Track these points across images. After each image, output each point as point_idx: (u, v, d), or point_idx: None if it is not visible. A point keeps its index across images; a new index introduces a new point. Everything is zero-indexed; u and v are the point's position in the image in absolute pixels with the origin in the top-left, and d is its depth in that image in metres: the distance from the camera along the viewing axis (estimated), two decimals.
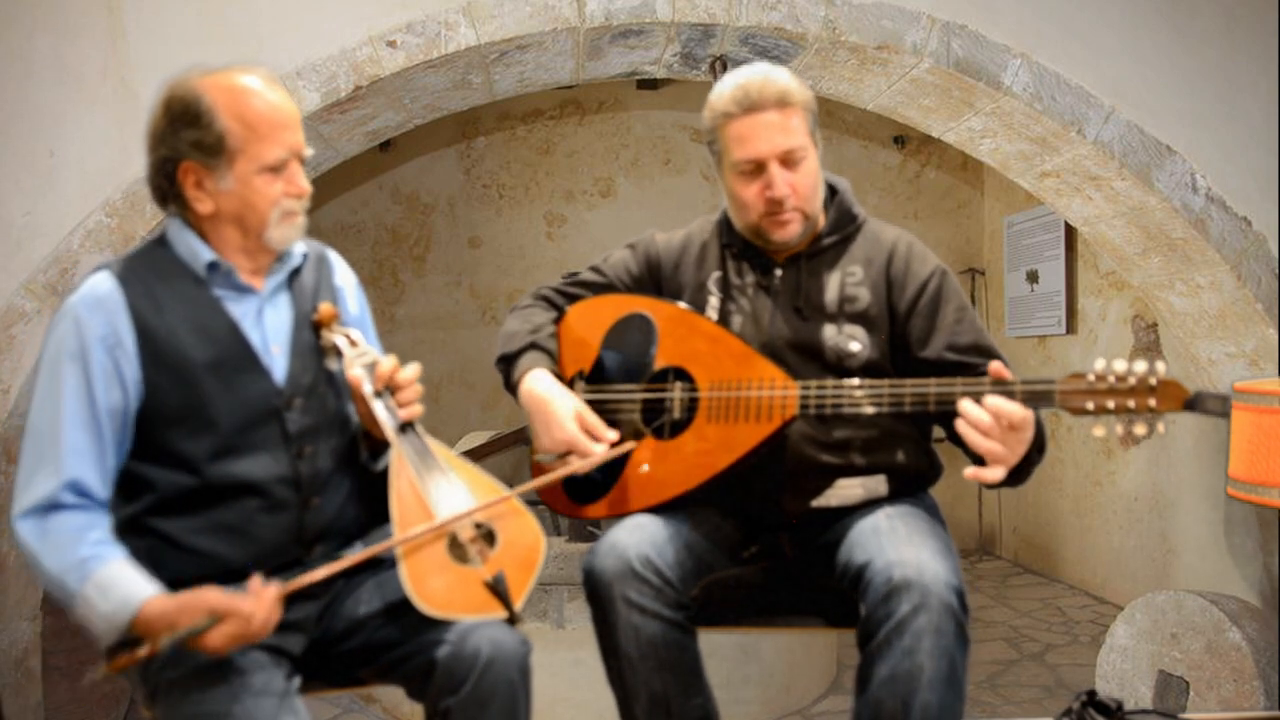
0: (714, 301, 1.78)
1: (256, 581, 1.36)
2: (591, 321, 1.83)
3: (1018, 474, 1.57)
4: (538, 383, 1.71)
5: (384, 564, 1.56)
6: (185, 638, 1.31)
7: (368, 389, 1.53)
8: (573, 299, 1.87)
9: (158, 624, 1.32)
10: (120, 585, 1.36)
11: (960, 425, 1.50)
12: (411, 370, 1.58)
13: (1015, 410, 1.47)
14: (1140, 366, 1.43)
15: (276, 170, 1.48)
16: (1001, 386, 1.49)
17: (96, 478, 1.43)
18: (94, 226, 2.68)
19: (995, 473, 1.49)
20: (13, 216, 2.67)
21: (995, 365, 1.53)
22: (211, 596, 1.33)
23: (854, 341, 1.70)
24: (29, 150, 2.69)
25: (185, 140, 1.46)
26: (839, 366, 1.69)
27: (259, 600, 1.34)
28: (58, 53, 2.69)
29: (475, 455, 3.84)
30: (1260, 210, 3.01)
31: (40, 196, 2.68)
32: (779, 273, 1.75)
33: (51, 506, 1.40)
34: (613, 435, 1.69)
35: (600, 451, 1.66)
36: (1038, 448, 1.56)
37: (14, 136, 2.68)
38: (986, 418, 1.47)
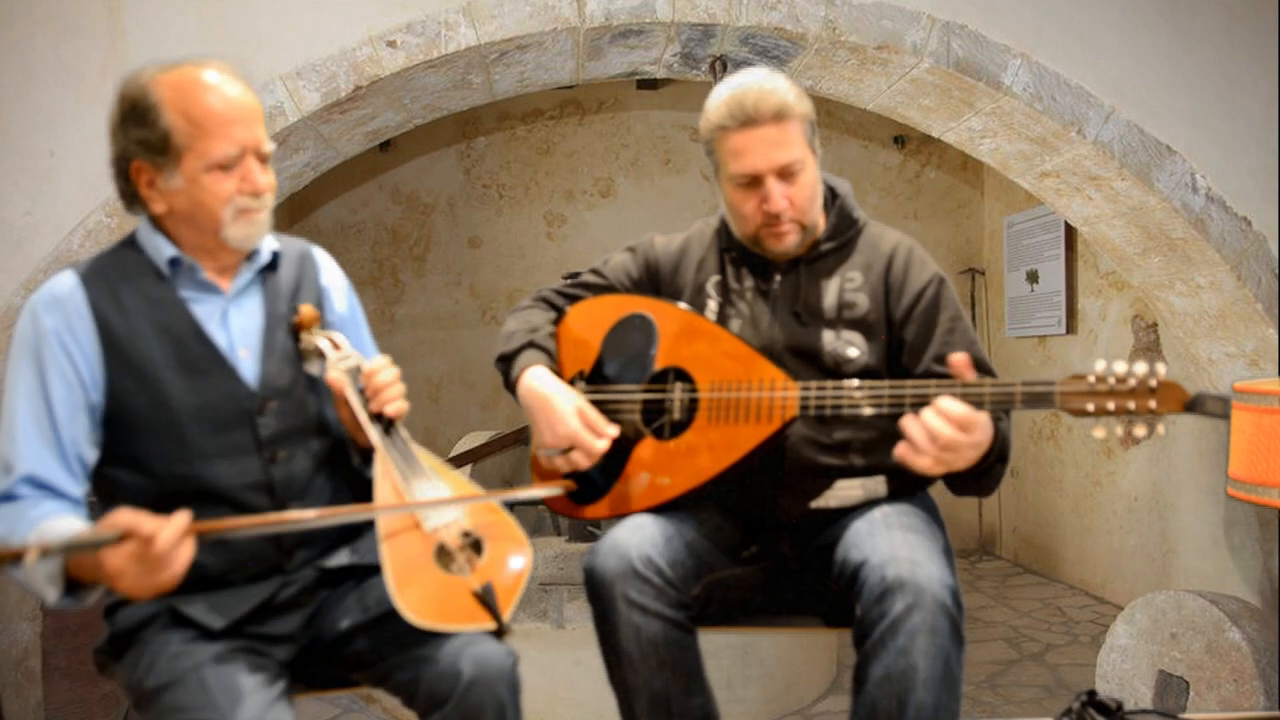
0: (712, 305, 1.77)
1: (181, 516, 1.25)
2: (592, 322, 1.82)
3: (972, 483, 1.58)
4: (537, 380, 1.71)
5: (370, 572, 1.53)
6: (81, 545, 1.20)
7: (350, 393, 1.49)
8: (572, 300, 1.87)
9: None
10: (58, 529, 1.27)
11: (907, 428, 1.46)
12: (391, 372, 1.53)
13: (962, 411, 1.44)
14: (1140, 368, 1.41)
15: (227, 167, 1.41)
16: (1001, 388, 1.48)
17: (60, 472, 1.38)
18: (94, 226, 2.68)
19: (922, 461, 1.45)
20: (13, 216, 2.67)
21: (956, 358, 1.48)
22: (122, 515, 1.22)
23: (851, 347, 1.70)
24: (29, 150, 2.69)
25: (133, 139, 1.41)
26: (837, 372, 1.69)
27: (168, 524, 1.22)
28: (58, 53, 2.70)
29: (475, 455, 3.84)
30: (1260, 210, 3.01)
31: (40, 196, 2.68)
32: (778, 278, 1.75)
33: (5, 498, 1.35)
34: (614, 430, 1.68)
35: (604, 446, 1.65)
36: (999, 458, 1.56)
37: (14, 136, 2.68)
38: (921, 434, 1.44)
